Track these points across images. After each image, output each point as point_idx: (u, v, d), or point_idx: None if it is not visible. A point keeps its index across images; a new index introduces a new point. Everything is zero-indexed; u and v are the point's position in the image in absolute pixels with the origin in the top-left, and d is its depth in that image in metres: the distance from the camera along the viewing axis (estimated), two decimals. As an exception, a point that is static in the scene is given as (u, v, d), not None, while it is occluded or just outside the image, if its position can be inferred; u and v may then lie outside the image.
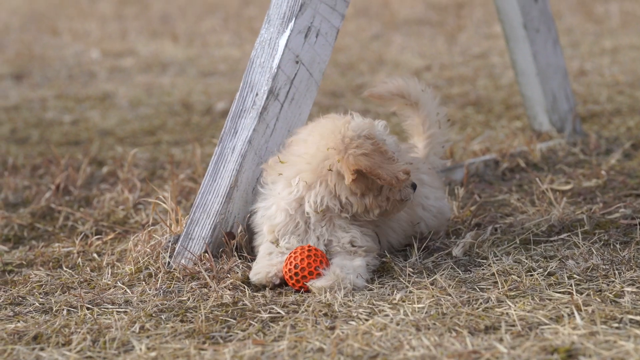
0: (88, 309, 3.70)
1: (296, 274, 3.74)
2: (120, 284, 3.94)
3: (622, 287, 3.58)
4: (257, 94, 4.17)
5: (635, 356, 3.01)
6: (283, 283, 3.81)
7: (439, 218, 4.27)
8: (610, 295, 3.53)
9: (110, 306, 3.72)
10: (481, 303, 3.54)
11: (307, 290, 3.74)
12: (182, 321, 3.56)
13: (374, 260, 3.92)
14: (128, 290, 3.88)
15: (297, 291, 3.77)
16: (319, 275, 3.73)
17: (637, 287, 3.57)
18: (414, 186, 3.89)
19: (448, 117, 4.52)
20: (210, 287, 3.83)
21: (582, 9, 11.18)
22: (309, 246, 3.78)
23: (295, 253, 3.76)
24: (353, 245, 3.84)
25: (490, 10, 11.04)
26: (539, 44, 5.61)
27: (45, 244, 4.52)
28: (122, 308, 3.70)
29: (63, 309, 3.70)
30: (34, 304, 3.78)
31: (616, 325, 3.28)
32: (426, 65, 8.73)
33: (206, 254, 4.02)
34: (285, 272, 3.76)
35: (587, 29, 10.03)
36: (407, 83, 4.40)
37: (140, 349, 3.31)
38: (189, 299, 3.75)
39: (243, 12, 12.56)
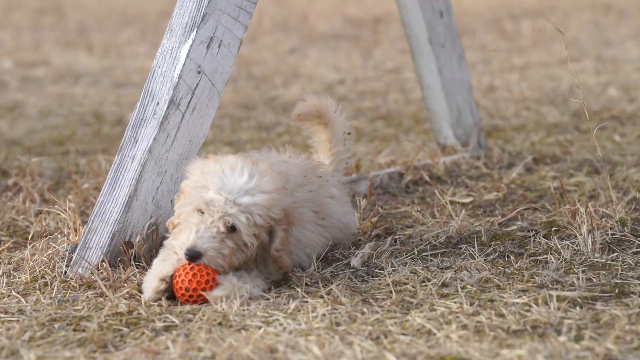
0: (-20, 318, 3.66)
1: (190, 296, 3.72)
2: (14, 293, 3.90)
3: (512, 298, 3.64)
4: (157, 104, 4.16)
5: (518, 364, 3.08)
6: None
7: (344, 232, 4.30)
8: (499, 305, 3.59)
9: (2, 315, 3.68)
10: (374, 312, 3.58)
11: (203, 301, 3.74)
12: (75, 330, 3.54)
13: (273, 275, 3.93)
14: (22, 300, 3.84)
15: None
16: (213, 286, 3.72)
17: (527, 298, 3.63)
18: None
19: (351, 132, 4.56)
20: (106, 296, 3.81)
21: (495, 26, 11.36)
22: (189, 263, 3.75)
23: (179, 274, 3.73)
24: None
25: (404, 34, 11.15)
26: (444, 59, 5.69)
27: (-58, 252, 4.45)
28: (14, 317, 3.66)
29: (-46, 318, 3.65)
30: None
31: (502, 335, 3.34)
32: (340, 78, 8.79)
33: (103, 263, 4.00)
34: (179, 295, 3.74)
35: (500, 45, 10.19)
36: (323, 103, 4.43)
37: (29, 358, 3.28)
38: (83, 308, 3.73)
39: (161, 23, 12.52)
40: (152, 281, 3.79)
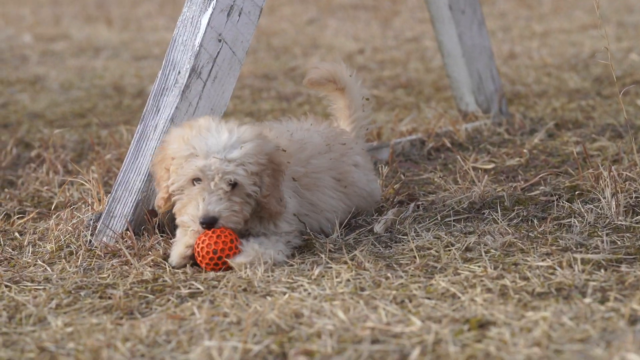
0: (6, 286, 3.68)
1: (219, 258, 3.73)
2: (40, 262, 3.93)
3: (536, 262, 3.64)
4: (179, 72, 4.17)
5: (543, 326, 3.07)
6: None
7: (368, 200, 4.31)
8: (524, 269, 3.59)
9: (29, 284, 3.71)
10: (398, 277, 3.58)
11: (227, 268, 3.76)
12: (100, 297, 3.56)
13: (296, 239, 3.95)
14: (48, 268, 3.87)
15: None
16: (235, 252, 3.74)
17: (551, 261, 3.63)
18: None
19: (369, 97, 4.56)
20: (131, 264, 3.84)
21: (515, -6, 11.30)
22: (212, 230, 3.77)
23: (202, 240, 3.74)
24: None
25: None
26: (464, 25, 5.66)
27: (-33, 223, 4.48)
28: (41, 285, 3.69)
29: (-19, 287, 3.69)
30: (-48, 283, 3.76)
31: (527, 297, 3.34)
32: (359, 48, 8.77)
33: (128, 232, 4.02)
34: (201, 258, 3.75)
35: (520, 13, 10.14)
36: (336, 68, 4.43)
37: (57, 325, 3.30)
38: (109, 275, 3.75)
39: (179, -4, 12.51)
40: (178, 247, 3.81)
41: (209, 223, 3.71)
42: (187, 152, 3.71)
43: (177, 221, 3.83)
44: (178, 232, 3.88)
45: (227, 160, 3.68)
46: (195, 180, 3.71)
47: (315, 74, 4.43)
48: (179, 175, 3.73)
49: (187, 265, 3.80)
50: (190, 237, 3.80)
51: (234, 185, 3.72)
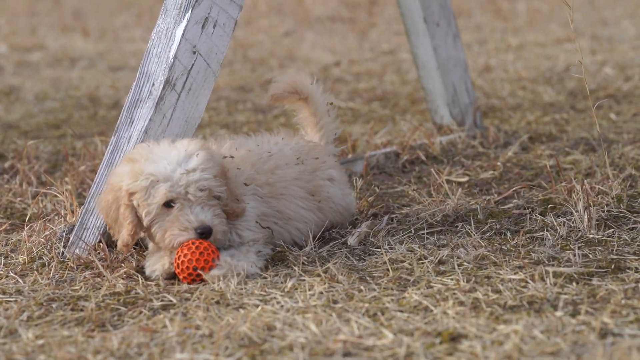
0: (-22, 298, 3.67)
1: (194, 267, 3.72)
2: (12, 274, 3.91)
3: (508, 275, 3.65)
4: (153, 84, 4.16)
5: (514, 339, 3.08)
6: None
7: (344, 215, 4.31)
8: (496, 282, 3.60)
9: (0, 296, 3.69)
10: (371, 290, 3.59)
11: (202, 281, 3.75)
12: (72, 310, 3.55)
13: (265, 249, 3.94)
14: (20, 280, 3.85)
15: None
16: (213, 266, 3.74)
17: (523, 274, 3.64)
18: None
19: (333, 102, 4.54)
20: (104, 276, 3.82)
21: (490, 6, 11.34)
22: (192, 241, 3.75)
23: (184, 254, 3.73)
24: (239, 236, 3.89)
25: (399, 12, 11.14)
26: (439, 38, 5.69)
27: (-61, 235, 4.46)
28: (12, 297, 3.67)
29: (-48, 299, 3.66)
30: None
31: (499, 310, 3.35)
32: (336, 61, 8.79)
33: (100, 244, 4.01)
34: (179, 270, 3.74)
35: (495, 26, 10.19)
36: (296, 78, 4.43)
37: (27, 337, 3.29)
38: (81, 287, 3.74)
39: (157, 7, 12.49)
40: (164, 262, 3.80)
41: (207, 232, 3.71)
42: (147, 181, 3.70)
43: (162, 245, 3.80)
44: (149, 251, 3.88)
45: (188, 171, 3.69)
46: (169, 203, 3.71)
47: (277, 88, 4.43)
48: (149, 205, 3.72)
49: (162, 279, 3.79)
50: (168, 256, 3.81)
51: (205, 190, 3.72)
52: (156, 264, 3.82)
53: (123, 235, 3.78)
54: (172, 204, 3.71)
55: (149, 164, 3.71)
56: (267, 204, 3.99)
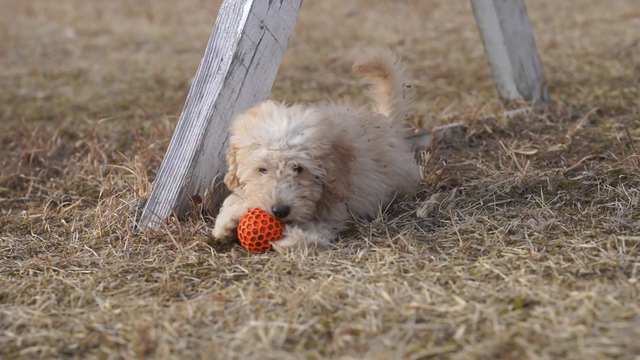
0: (54, 270, 3.73)
1: (261, 237, 3.76)
2: (87, 247, 3.98)
3: (580, 244, 3.63)
4: (222, 59, 4.20)
5: (587, 305, 3.07)
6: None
7: (408, 180, 4.31)
8: (568, 250, 3.58)
9: (76, 268, 3.76)
10: (441, 260, 3.59)
11: (271, 250, 3.78)
12: (147, 281, 3.60)
13: (341, 226, 3.97)
14: (95, 253, 3.92)
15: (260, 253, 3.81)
16: (278, 231, 3.77)
17: (595, 243, 3.62)
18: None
19: (411, 84, 4.56)
20: (176, 248, 3.87)
21: (555, -16, 11.24)
22: (253, 210, 3.80)
23: (244, 222, 3.78)
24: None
25: (464, -14, 11.09)
26: (505, 13, 5.65)
27: (14, 212, 4.55)
28: (88, 270, 3.73)
29: (29, 272, 3.73)
30: (0, 268, 3.81)
31: (571, 278, 3.34)
32: (399, 39, 8.77)
33: (172, 217, 4.06)
34: (243, 240, 3.79)
35: (561, 4, 10.09)
36: (382, 54, 4.45)
37: (104, 306, 3.35)
38: (154, 260, 3.79)
39: (219, -9, 12.57)
40: (223, 217, 3.85)
41: (283, 212, 3.74)
42: (250, 142, 3.75)
43: (245, 197, 3.86)
44: (226, 200, 3.92)
45: (288, 146, 3.71)
46: (261, 170, 3.75)
47: (364, 60, 4.44)
48: (244, 165, 3.78)
49: (232, 249, 3.84)
50: (237, 209, 3.84)
51: (299, 169, 3.75)
52: (217, 221, 3.88)
53: (227, 175, 3.90)
54: (263, 171, 3.76)
55: (261, 124, 3.75)
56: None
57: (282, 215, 3.75)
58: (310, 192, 3.77)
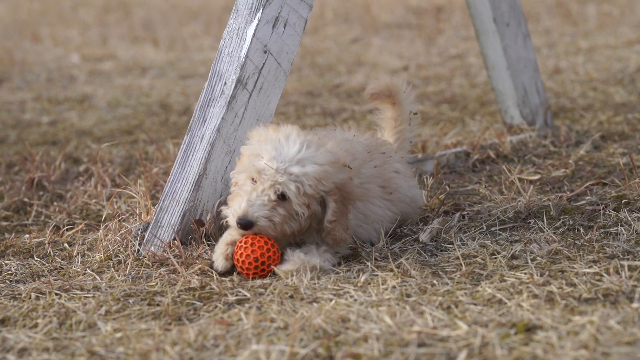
0: (56, 294, 3.73)
1: (262, 262, 3.77)
2: (89, 271, 3.98)
3: (583, 269, 3.63)
4: (225, 83, 4.21)
5: (590, 330, 3.06)
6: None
7: (412, 206, 4.32)
8: (570, 275, 3.58)
9: (78, 292, 3.76)
10: (444, 284, 3.59)
11: (272, 274, 3.78)
12: (149, 304, 3.60)
13: (343, 250, 3.97)
14: (97, 277, 3.92)
15: (262, 277, 3.81)
16: (277, 254, 3.78)
17: (598, 268, 3.62)
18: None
19: (418, 112, 4.58)
20: (179, 272, 3.87)
21: (559, 10, 11.26)
22: (245, 240, 3.80)
23: (240, 252, 3.79)
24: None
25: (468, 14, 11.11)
26: (509, 38, 5.67)
27: (17, 235, 4.55)
28: (90, 293, 3.73)
29: (31, 295, 3.73)
30: (3, 291, 3.81)
31: (574, 302, 3.33)
32: (404, 65, 8.79)
33: (175, 241, 4.06)
34: (246, 271, 3.79)
35: (565, 30, 10.11)
36: (394, 83, 4.47)
37: (106, 330, 3.35)
38: (157, 283, 3.79)
39: (224, 17, 12.61)
40: (219, 247, 3.86)
41: (244, 225, 3.75)
42: (255, 151, 3.78)
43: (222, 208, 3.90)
44: (225, 233, 3.93)
45: (284, 172, 3.72)
46: (252, 180, 3.77)
47: (376, 88, 4.45)
48: (241, 168, 3.80)
49: (234, 273, 3.83)
50: (228, 235, 3.85)
51: (282, 197, 3.75)
52: (215, 252, 3.89)
53: (232, 182, 3.93)
54: (253, 182, 3.77)
55: (275, 141, 3.77)
56: (356, 209, 4.01)
57: (243, 227, 3.76)
58: (281, 222, 3.77)
